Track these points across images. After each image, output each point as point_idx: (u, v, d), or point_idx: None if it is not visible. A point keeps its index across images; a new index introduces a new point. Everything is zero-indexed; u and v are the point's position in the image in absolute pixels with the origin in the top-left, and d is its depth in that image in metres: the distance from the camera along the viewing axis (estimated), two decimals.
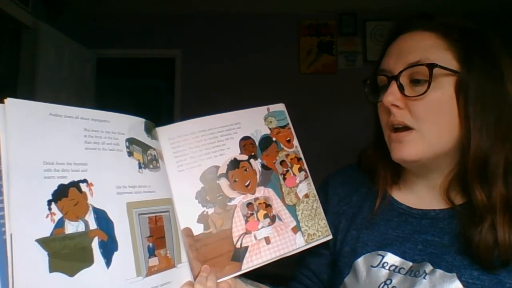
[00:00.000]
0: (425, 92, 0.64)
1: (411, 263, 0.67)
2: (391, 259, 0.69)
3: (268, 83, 3.46)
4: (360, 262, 0.72)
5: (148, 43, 3.75)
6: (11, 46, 3.00)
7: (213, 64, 3.70)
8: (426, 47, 0.66)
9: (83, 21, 3.59)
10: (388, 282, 0.66)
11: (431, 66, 0.63)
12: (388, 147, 0.71)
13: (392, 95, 0.66)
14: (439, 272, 0.63)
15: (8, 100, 0.48)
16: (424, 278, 0.64)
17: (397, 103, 0.66)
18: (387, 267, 0.68)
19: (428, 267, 0.65)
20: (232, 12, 3.66)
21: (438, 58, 0.64)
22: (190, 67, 3.72)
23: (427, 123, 0.65)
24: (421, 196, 0.73)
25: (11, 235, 0.44)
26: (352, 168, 0.85)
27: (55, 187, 0.49)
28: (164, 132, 0.68)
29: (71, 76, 3.25)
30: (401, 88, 0.66)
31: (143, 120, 0.64)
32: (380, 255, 0.70)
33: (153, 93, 4.52)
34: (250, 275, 0.71)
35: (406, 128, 0.67)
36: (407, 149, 0.66)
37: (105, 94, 3.68)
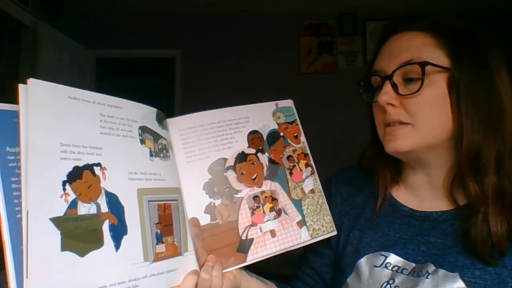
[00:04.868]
0: (419, 89, 0.65)
1: (414, 264, 0.67)
2: (394, 259, 0.69)
3: (268, 83, 3.46)
4: (363, 262, 0.72)
5: (148, 43, 3.75)
6: (11, 46, 2.99)
7: (213, 64, 3.71)
8: (417, 46, 0.67)
9: (83, 21, 3.59)
10: (391, 282, 0.67)
11: (423, 64, 0.65)
12: (382, 142, 0.72)
13: (386, 94, 0.68)
14: (441, 272, 0.64)
15: (30, 80, 0.49)
16: (426, 278, 0.64)
17: (392, 102, 0.68)
18: (390, 268, 0.69)
19: (431, 268, 0.65)
20: (232, 12, 3.68)
21: (429, 56, 0.66)
22: (190, 67, 3.73)
23: (422, 119, 0.66)
24: (423, 197, 0.74)
25: (27, 212, 0.45)
26: (353, 169, 0.86)
27: (70, 169, 0.50)
28: (175, 123, 0.68)
29: (71, 76, 3.24)
30: (395, 87, 0.68)
31: (154, 109, 0.65)
32: (383, 255, 0.71)
33: (153, 93, 4.51)
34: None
35: (401, 123, 0.68)
36: (400, 141, 0.68)
37: (105, 94, 3.67)
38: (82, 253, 0.49)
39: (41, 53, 2.95)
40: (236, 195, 0.69)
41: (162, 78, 4.67)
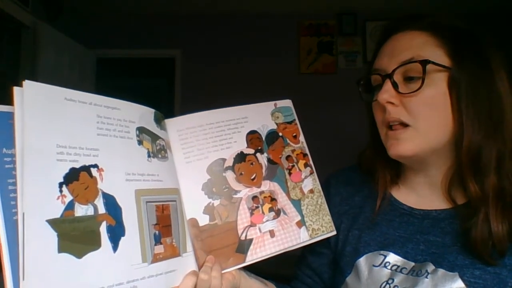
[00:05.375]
0: (420, 88, 0.65)
1: (413, 263, 0.67)
2: (393, 259, 0.69)
3: (268, 83, 3.46)
4: (362, 261, 0.72)
5: (148, 43, 3.75)
6: (11, 46, 3.00)
7: (213, 64, 3.72)
8: (418, 45, 0.67)
9: (83, 21, 3.59)
10: (390, 281, 0.67)
11: (424, 63, 0.65)
12: (384, 145, 0.72)
13: (387, 93, 0.68)
14: (441, 271, 0.64)
15: (26, 83, 0.48)
16: (426, 277, 0.64)
17: (392, 100, 0.68)
18: (389, 267, 0.69)
19: (430, 267, 0.65)
20: (232, 12, 3.68)
21: (430, 55, 0.66)
22: (190, 67, 3.73)
23: (422, 119, 0.66)
24: (423, 196, 0.74)
25: (23, 214, 0.45)
26: (353, 169, 0.86)
27: (67, 170, 0.50)
28: (173, 123, 0.68)
29: (71, 76, 3.25)
30: (395, 85, 0.68)
31: (152, 110, 0.65)
32: (382, 254, 0.70)
33: (153, 93, 4.51)
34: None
35: (402, 124, 0.68)
36: (404, 145, 0.67)
37: (105, 94, 3.66)
38: (79, 254, 0.49)
39: (41, 53, 2.95)
40: (235, 196, 0.68)
41: (162, 78, 4.67)
